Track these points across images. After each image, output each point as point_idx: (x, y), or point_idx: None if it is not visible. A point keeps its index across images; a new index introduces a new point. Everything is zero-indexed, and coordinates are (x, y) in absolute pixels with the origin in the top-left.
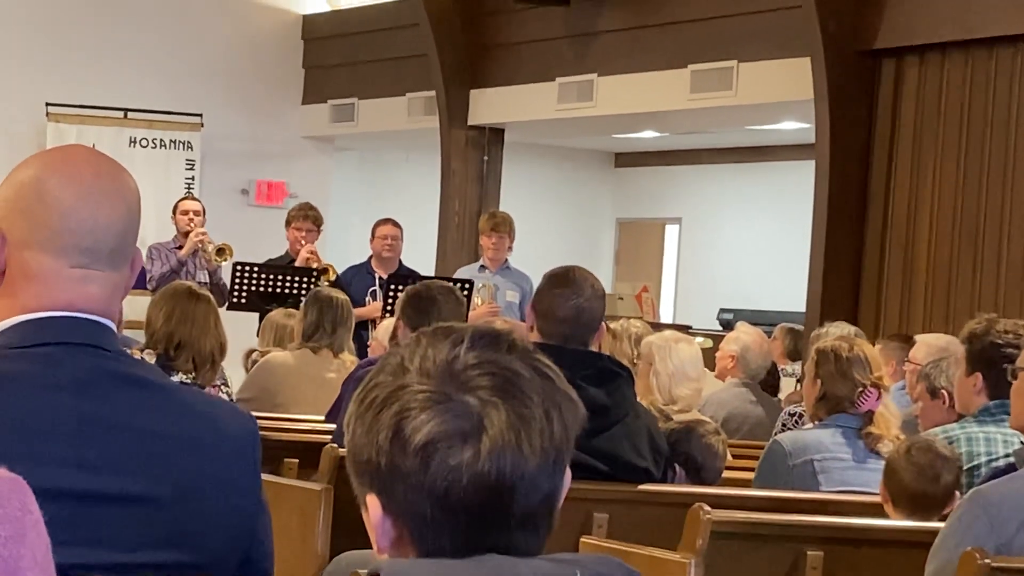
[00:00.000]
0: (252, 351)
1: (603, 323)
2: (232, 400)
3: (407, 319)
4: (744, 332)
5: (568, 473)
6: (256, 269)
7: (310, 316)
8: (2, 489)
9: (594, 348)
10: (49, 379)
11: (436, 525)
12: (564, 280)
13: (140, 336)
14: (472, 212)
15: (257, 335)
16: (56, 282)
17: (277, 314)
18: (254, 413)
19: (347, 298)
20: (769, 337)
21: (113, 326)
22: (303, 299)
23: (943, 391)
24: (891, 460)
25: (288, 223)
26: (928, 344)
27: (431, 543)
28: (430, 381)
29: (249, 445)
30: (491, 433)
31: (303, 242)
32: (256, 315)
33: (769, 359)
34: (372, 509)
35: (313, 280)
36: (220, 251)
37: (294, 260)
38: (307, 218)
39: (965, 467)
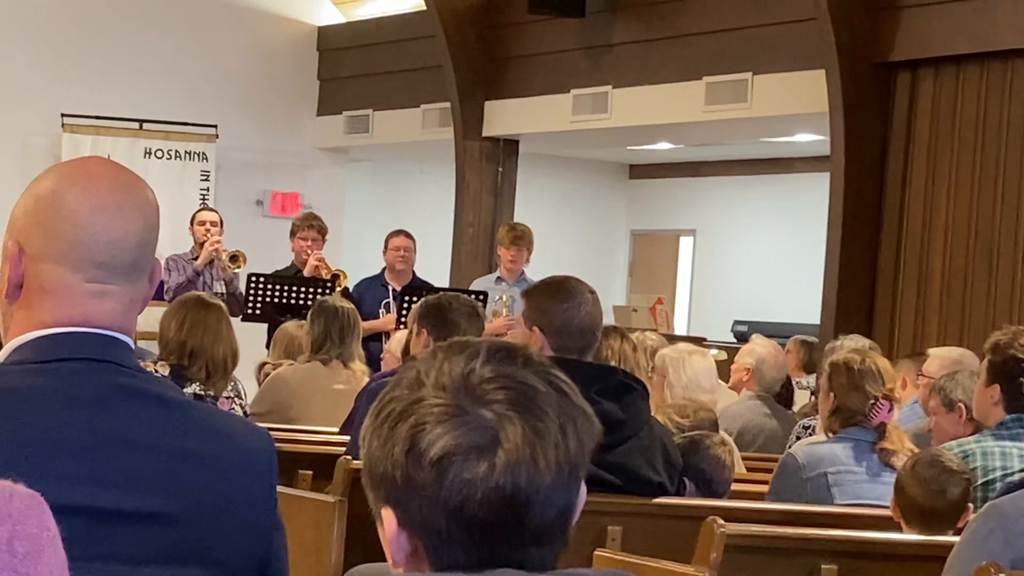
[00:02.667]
0: (264, 363)
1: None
2: (246, 414)
3: (431, 328)
4: (759, 345)
5: (583, 489)
6: (270, 280)
7: (317, 328)
8: (20, 506)
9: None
10: (66, 395)
11: (450, 539)
12: (566, 293)
13: (154, 347)
14: (486, 224)
15: (267, 347)
16: (72, 296)
17: (289, 326)
18: (267, 426)
19: (353, 306)
20: (783, 349)
21: (130, 341)
22: None
23: (960, 404)
24: (899, 475)
25: (293, 233)
26: (941, 357)
27: (445, 557)
28: (446, 395)
29: (265, 462)
30: (506, 447)
31: (309, 251)
32: (265, 326)
33: (784, 372)
34: (387, 523)
35: (327, 289)
36: (234, 258)
37: (300, 270)
38: (312, 227)
39: (980, 481)
